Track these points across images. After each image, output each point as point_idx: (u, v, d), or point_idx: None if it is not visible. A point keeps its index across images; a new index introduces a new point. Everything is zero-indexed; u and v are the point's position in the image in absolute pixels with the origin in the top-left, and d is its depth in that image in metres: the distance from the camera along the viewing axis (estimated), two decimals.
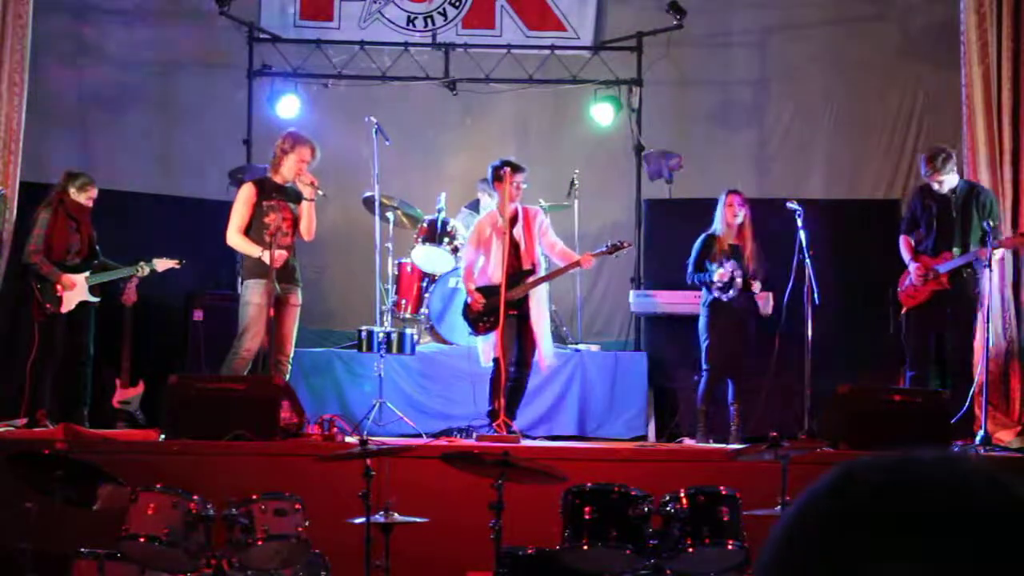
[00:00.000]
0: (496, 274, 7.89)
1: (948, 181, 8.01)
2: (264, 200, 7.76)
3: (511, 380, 7.83)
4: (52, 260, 8.05)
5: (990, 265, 7.76)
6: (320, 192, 7.80)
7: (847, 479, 0.97)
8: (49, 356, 8.11)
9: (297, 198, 7.83)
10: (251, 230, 7.75)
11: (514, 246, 7.93)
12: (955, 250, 7.92)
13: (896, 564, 0.90)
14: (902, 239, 8.23)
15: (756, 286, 8.13)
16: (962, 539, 0.90)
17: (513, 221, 7.94)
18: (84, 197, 8.19)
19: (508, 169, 7.92)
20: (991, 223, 7.82)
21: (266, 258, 7.56)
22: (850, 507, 0.94)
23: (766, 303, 8.38)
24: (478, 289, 7.94)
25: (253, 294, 7.67)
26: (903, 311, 8.17)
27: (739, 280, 8.12)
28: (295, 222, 7.82)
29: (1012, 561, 0.90)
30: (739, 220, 8.20)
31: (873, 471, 0.96)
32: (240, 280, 8.15)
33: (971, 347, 8.03)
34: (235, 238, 7.80)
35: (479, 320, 7.95)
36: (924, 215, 8.10)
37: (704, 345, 8.23)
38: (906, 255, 8.14)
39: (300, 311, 7.92)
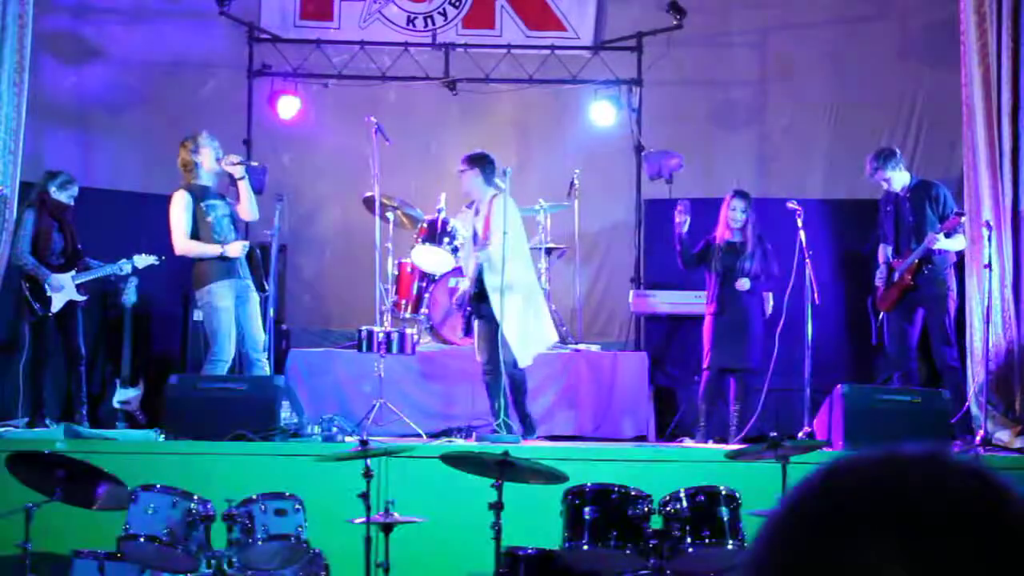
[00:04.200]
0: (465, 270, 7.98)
1: (896, 179, 8.12)
2: (201, 202, 7.68)
3: (483, 382, 7.87)
4: (38, 260, 8.07)
5: (990, 265, 7.79)
6: (254, 163, 7.76)
7: (829, 479, 0.97)
8: (42, 356, 8.13)
9: (223, 195, 7.79)
10: (199, 234, 7.65)
11: (474, 238, 7.93)
12: (913, 246, 8.01)
13: (879, 563, 0.91)
14: (879, 248, 8.32)
15: (741, 283, 8.15)
16: (942, 538, 0.90)
17: (476, 212, 7.94)
18: (65, 196, 8.21)
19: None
20: (939, 216, 7.92)
21: (229, 251, 7.55)
22: (831, 507, 0.95)
23: (765, 302, 8.40)
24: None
25: (219, 298, 7.59)
26: (880, 316, 8.23)
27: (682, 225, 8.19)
28: (234, 216, 7.79)
29: (994, 558, 0.90)
30: (738, 225, 8.23)
31: (854, 470, 0.97)
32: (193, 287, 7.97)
33: (949, 341, 8.06)
34: (187, 244, 7.65)
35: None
36: (886, 219, 8.20)
37: (705, 344, 8.26)
38: (879, 261, 8.24)
39: (275, 303, 7.94)
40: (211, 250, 7.62)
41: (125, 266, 8.33)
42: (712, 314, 8.27)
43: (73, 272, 8.20)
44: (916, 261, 7.99)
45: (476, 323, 7.95)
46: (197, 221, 7.65)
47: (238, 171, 7.69)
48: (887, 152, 8.20)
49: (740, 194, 8.36)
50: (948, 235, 7.93)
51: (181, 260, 8.71)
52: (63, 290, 8.12)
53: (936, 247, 7.93)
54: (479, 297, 7.86)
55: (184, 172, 7.80)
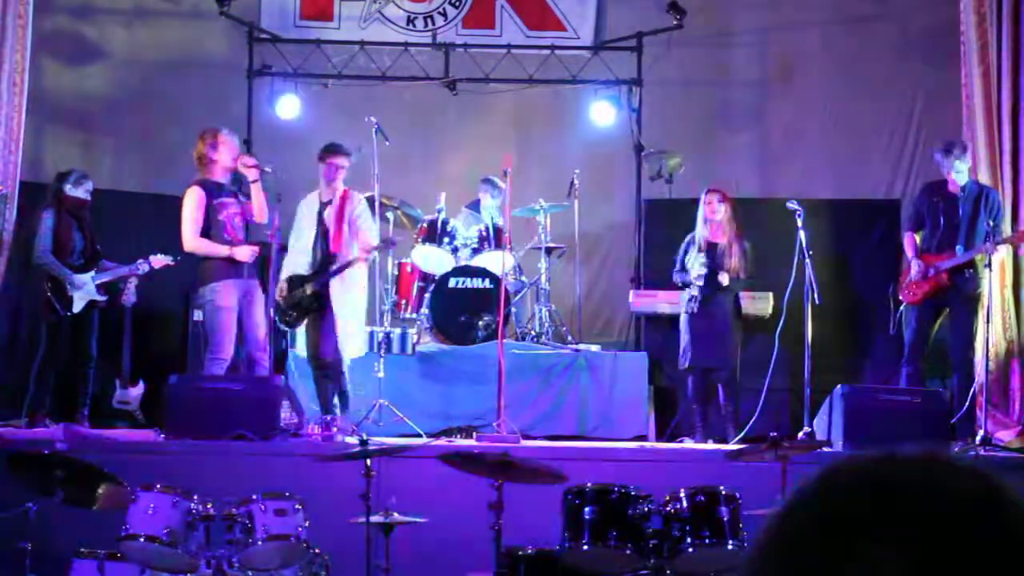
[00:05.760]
0: (299, 262, 7.85)
1: (962, 175, 8.02)
2: (214, 199, 7.65)
3: (318, 375, 7.82)
4: (59, 260, 8.07)
5: (990, 264, 7.79)
6: (267, 168, 7.72)
7: (828, 480, 0.97)
8: (55, 357, 8.12)
9: (238, 192, 7.77)
10: (210, 232, 7.63)
11: (324, 232, 7.86)
12: (958, 248, 7.94)
13: (875, 564, 0.91)
14: (907, 236, 8.25)
15: (723, 277, 8.18)
16: (938, 538, 0.91)
17: (328, 204, 7.88)
18: (82, 191, 8.22)
19: (326, 150, 7.90)
20: (990, 223, 7.86)
21: (237, 255, 7.53)
22: (830, 508, 0.95)
23: (764, 304, 8.40)
24: (288, 278, 7.85)
25: (222, 297, 7.56)
26: (901, 307, 8.19)
27: (703, 274, 8.22)
28: (246, 215, 7.77)
29: (988, 558, 0.90)
30: (718, 217, 8.27)
31: (853, 472, 0.97)
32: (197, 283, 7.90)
33: (972, 345, 8.04)
34: (196, 242, 7.63)
35: (283, 313, 7.84)
36: (930, 212, 8.11)
37: (683, 346, 8.28)
38: (909, 251, 8.17)
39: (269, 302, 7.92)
40: (219, 251, 7.60)
41: (143, 266, 8.31)
42: (691, 313, 8.28)
43: (93, 272, 8.20)
44: (961, 263, 7.94)
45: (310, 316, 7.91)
46: (209, 218, 7.63)
47: (252, 174, 7.65)
48: (963, 146, 8.12)
49: (714, 189, 8.42)
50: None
51: (181, 260, 8.73)
52: (84, 290, 8.12)
53: (992, 255, 7.84)
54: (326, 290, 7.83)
55: (199, 165, 7.76)
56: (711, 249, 8.27)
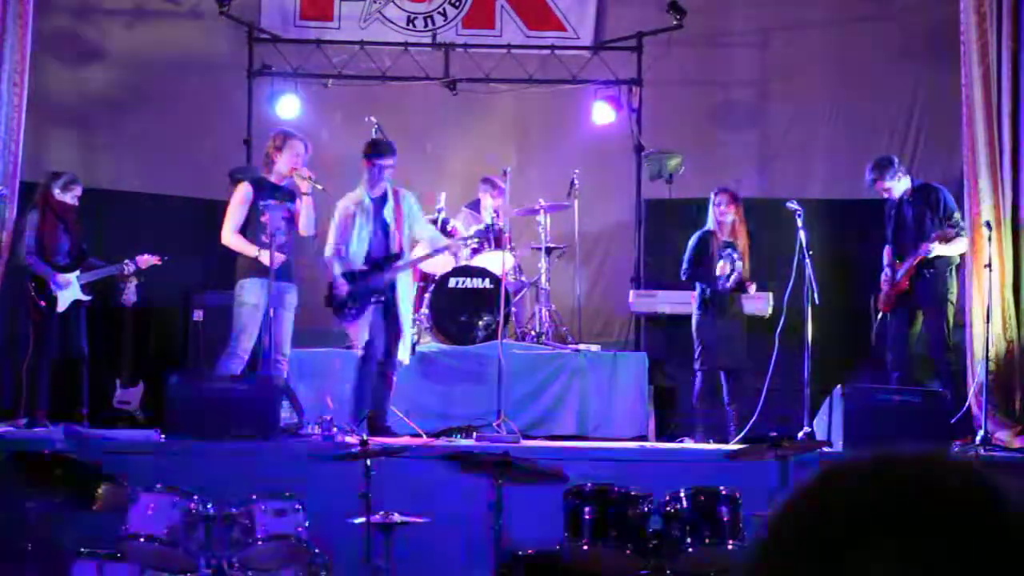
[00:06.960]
0: (358, 257, 7.85)
1: (896, 188, 8.17)
2: (261, 200, 7.72)
3: (378, 372, 7.80)
4: (44, 260, 8.07)
5: (990, 265, 7.81)
6: (319, 186, 7.77)
7: (827, 481, 0.97)
8: (44, 356, 8.12)
9: (293, 196, 7.81)
10: (247, 230, 7.71)
11: (383, 228, 7.89)
12: (912, 250, 8.05)
13: (873, 564, 0.91)
14: (885, 248, 8.34)
15: (752, 288, 8.21)
16: (936, 538, 0.91)
17: (382, 202, 7.90)
18: (70, 196, 8.21)
19: (371, 151, 7.90)
20: (939, 220, 7.93)
21: (263, 258, 7.54)
22: (828, 508, 0.95)
23: (764, 304, 8.42)
24: (345, 273, 7.86)
25: (249, 294, 7.63)
26: (879, 316, 8.27)
27: (739, 272, 8.19)
28: (292, 220, 7.79)
29: (986, 559, 0.90)
30: (728, 219, 8.28)
31: (851, 472, 0.97)
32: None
33: (947, 345, 8.07)
34: (232, 238, 7.74)
35: (343, 307, 7.85)
36: (888, 222, 8.25)
37: (697, 345, 8.28)
38: (884, 262, 8.27)
39: (297, 310, 7.90)
40: (248, 250, 7.67)
41: (129, 266, 8.34)
42: (704, 313, 8.29)
43: (78, 272, 8.20)
44: (914, 265, 8.00)
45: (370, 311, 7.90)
46: (251, 216, 7.69)
47: (305, 186, 7.71)
48: (884, 162, 8.20)
49: (722, 189, 8.43)
50: (945, 242, 7.93)
51: (180, 261, 8.75)
52: (68, 289, 8.13)
53: (932, 255, 7.93)
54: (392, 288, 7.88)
55: (263, 163, 7.95)
56: (729, 250, 8.28)
